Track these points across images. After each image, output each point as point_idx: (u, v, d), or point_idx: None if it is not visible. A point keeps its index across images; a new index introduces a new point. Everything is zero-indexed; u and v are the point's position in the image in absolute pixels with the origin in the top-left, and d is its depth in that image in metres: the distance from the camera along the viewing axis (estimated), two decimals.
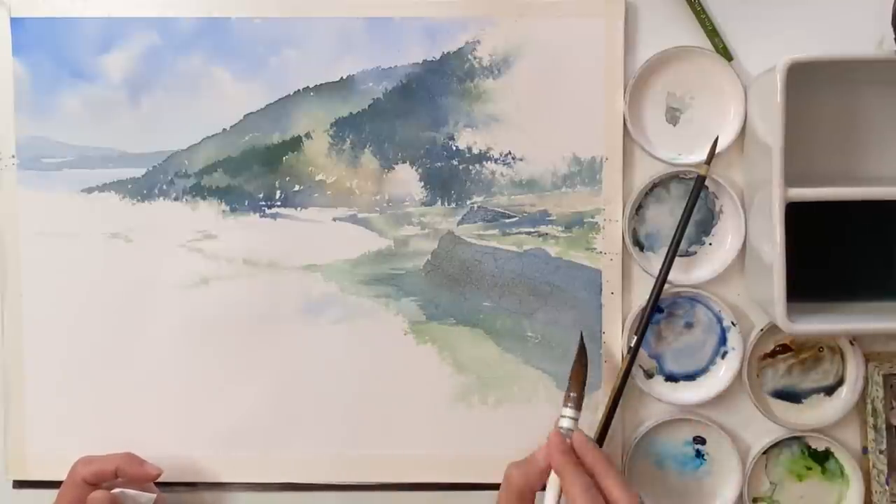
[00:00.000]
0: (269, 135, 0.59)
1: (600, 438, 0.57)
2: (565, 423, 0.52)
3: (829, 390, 0.59)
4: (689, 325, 0.59)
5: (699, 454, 0.59)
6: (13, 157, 0.59)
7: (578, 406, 0.53)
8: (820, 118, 0.57)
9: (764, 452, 0.58)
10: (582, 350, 0.56)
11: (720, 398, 0.58)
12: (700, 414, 0.59)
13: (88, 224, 0.60)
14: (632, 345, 0.57)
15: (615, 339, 0.59)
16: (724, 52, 0.57)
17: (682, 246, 0.58)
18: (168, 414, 0.60)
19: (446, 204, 0.59)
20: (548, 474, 0.50)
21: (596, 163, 0.58)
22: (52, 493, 0.55)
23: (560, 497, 0.49)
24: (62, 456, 0.56)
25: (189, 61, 0.59)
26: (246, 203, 0.59)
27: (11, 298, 0.60)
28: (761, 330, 0.58)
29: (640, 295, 0.59)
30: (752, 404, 0.58)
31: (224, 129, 0.59)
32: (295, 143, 0.59)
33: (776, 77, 0.49)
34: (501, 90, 0.58)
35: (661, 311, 0.59)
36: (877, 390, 0.57)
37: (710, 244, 0.59)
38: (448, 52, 0.58)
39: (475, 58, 0.58)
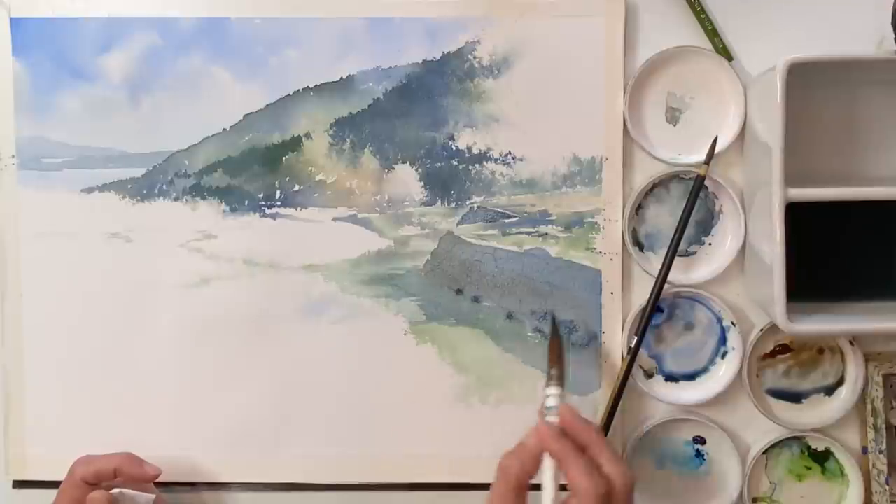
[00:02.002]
0: (269, 135, 0.59)
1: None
2: (551, 402, 0.50)
3: (829, 390, 0.59)
4: (688, 326, 0.59)
5: (699, 454, 0.59)
6: (13, 157, 0.59)
7: (561, 382, 0.51)
8: (820, 118, 0.57)
9: (764, 452, 0.58)
10: (555, 328, 0.55)
11: (720, 398, 0.58)
12: (700, 414, 0.59)
13: (88, 224, 0.60)
14: (632, 345, 0.57)
15: (615, 339, 0.59)
16: (724, 52, 0.57)
17: (682, 246, 0.58)
18: (168, 414, 0.60)
19: (446, 204, 0.59)
20: (540, 460, 0.49)
21: (596, 163, 0.58)
22: (52, 493, 0.55)
23: (557, 479, 0.48)
24: (62, 456, 0.56)
25: (189, 61, 0.59)
26: (246, 203, 0.59)
27: (11, 298, 0.60)
28: (761, 330, 0.58)
29: (640, 295, 0.59)
30: (752, 404, 0.58)
31: (224, 129, 0.59)
32: (295, 143, 0.59)
33: (776, 77, 0.49)
34: (501, 90, 0.58)
35: (661, 311, 0.59)
36: (877, 390, 0.57)
37: (710, 244, 0.59)
38: (448, 52, 0.58)
39: (475, 58, 0.58)
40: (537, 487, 0.48)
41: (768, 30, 0.58)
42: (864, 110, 0.57)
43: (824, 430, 0.59)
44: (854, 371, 0.58)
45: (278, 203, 0.59)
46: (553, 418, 0.49)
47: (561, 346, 0.53)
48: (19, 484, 0.60)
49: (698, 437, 0.59)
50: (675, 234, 0.57)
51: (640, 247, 0.59)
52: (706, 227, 0.59)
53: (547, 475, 0.48)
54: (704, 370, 0.59)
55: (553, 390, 0.51)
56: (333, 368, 0.59)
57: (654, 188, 0.58)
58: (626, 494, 0.46)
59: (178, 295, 0.59)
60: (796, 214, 0.50)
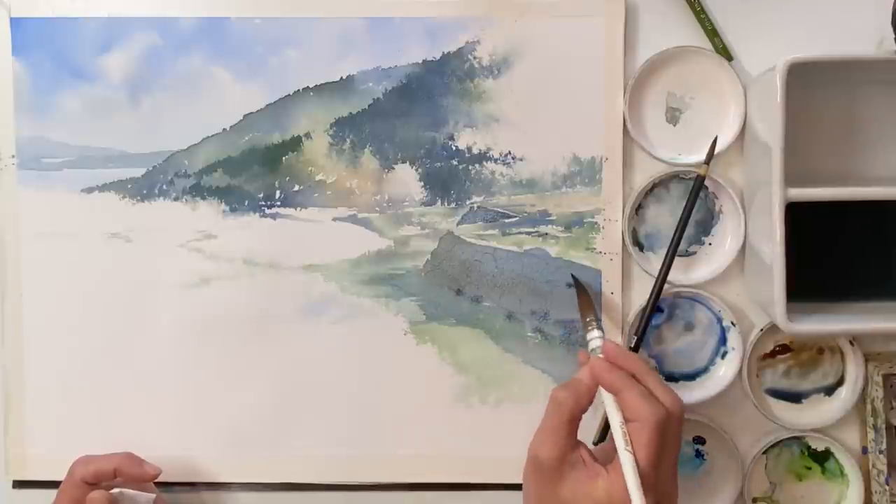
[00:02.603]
0: (269, 135, 0.59)
1: (601, 439, 0.57)
2: (595, 344, 0.52)
3: (829, 390, 0.59)
4: (688, 326, 0.59)
5: (699, 454, 0.59)
6: (13, 157, 0.59)
7: (600, 326, 0.53)
8: (820, 118, 0.57)
9: (764, 452, 0.58)
10: (578, 283, 0.57)
11: (720, 398, 0.58)
12: (700, 414, 0.59)
13: (88, 224, 0.60)
14: (632, 345, 0.57)
15: (615, 339, 0.59)
16: (724, 52, 0.57)
17: (682, 246, 0.58)
18: (168, 414, 0.60)
19: (446, 204, 0.59)
20: (594, 395, 0.49)
21: (596, 163, 0.58)
22: (52, 493, 0.55)
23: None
24: (62, 456, 0.56)
25: (189, 61, 0.59)
26: (246, 203, 0.59)
27: (11, 298, 0.60)
28: (761, 330, 0.58)
29: (640, 295, 0.59)
30: (752, 404, 0.58)
31: (224, 129, 0.59)
32: (295, 143, 0.59)
33: (776, 77, 0.49)
34: (501, 90, 0.58)
35: (661, 311, 0.59)
36: (877, 390, 0.57)
37: (710, 244, 0.59)
38: (448, 52, 0.58)
39: (475, 58, 0.58)
40: None
41: (768, 30, 0.58)
42: (864, 110, 0.57)
43: (824, 430, 0.59)
44: (854, 371, 0.58)
45: (278, 203, 0.59)
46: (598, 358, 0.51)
47: (590, 296, 0.56)
48: (19, 484, 0.60)
49: (698, 437, 0.59)
50: (675, 234, 0.56)
51: (640, 247, 0.59)
52: (706, 227, 0.59)
53: (610, 406, 0.48)
54: (704, 370, 0.59)
55: (595, 333, 0.53)
56: (333, 368, 0.59)
57: (654, 188, 0.58)
58: (680, 417, 0.48)
59: (178, 295, 0.59)
60: (796, 214, 0.50)
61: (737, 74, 0.57)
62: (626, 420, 0.47)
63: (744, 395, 0.58)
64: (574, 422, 0.48)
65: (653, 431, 0.46)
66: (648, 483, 0.45)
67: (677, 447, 0.48)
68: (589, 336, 0.53)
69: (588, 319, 0.54)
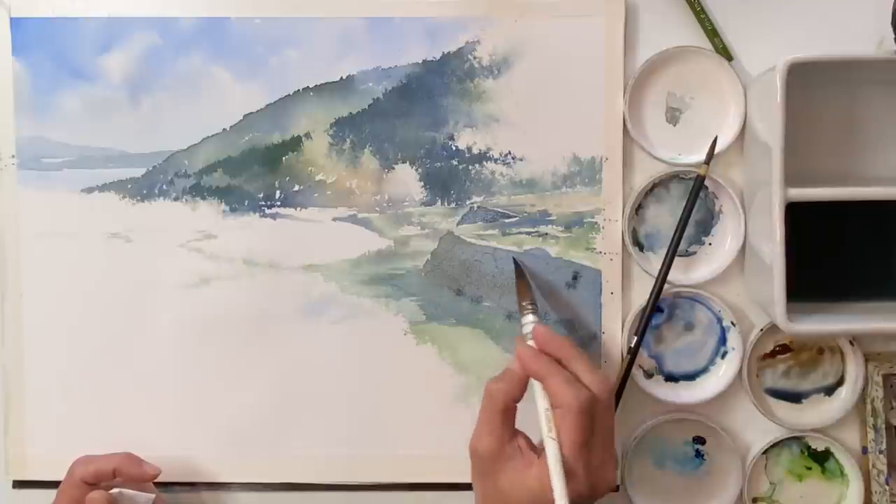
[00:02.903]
0: (269, 135, 0.59)
1: None
2: (528, 329, 0.52)
3: (829, 390, 0.59)
4: (688, 326, 0.59)
5: (699, 454, 0.60)
6: (13, 157, 0.59)
7: (535, 310, 0.54)
8: (820, 118, 0.57)
9: (764, 452, 0.58)
10: (518, 269, 0.57)
11: (720, 398, 0.58)
12: (700, 414, 0.59)
13: (88, 224, 0.60)
14: (632, 345, 0.57)
15: (615, 339, 0.59)
16: (724, 52, 0.57)
17: (682, 246, 0.58)
18: (168, 414, 0.60)
19: (446, 204, 0.59)
20: (526, 384, 0.50)
21: (596, 163, 0.58)
22: (52, 493, 0.55)
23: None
24: (62, 456, 0.56)
25: (189, 61, 0.59)
26: (246, 203, 0.59)
27: (11, 298, 0.60)
28: (761, 330, 0.58)
29: (640, 295, 0.59)
30: (752, 404, 0.58)
31: (224, 129, 0.59)
32: (295, 143, 0.59)
33: (776, 77, 0.49)
34: (501, 90, 0.58)
35: (661, 311, 0.59)
36: (877, 390, 0.57)
37: (710, 244, 0.59)
38: (448, 52, 0.58)
39: (475, 58, 0.58)
40: None
41: (768, 30, 0.58)
42: (864, 110, 0.57)
43: (824, 430, 0.59)
44: (854, 371, 0.58)
45: (278, 203, 0.59)
46: (531, 342, 0.51)
47: (528, 282, 0.56)
48: (19, 484, 0.60)
49: (698, 437, 0.59)
50: (675, 234, 0.57)
51: (640, 247, 0.59)
52: (706, 227, 0.59)
53: (537, 393, 0.49)
54: (704, 370, 0.59)
55: (529, 318, 0.53)
56: (333, 368, 0.59)
57: (654, 188, 0.58)
58: (607, 401, 0.48)
59: (178, 295, 0.59)
60: (796, 214, 0.50)
61: (737, 74, 0.57)
62: (553, 406, 0.48)
63: (744, 395, 0.58)
64: (508, 412, 0.49)
65: (576, 416, 0.46)
66: (577, 468, 0.46)
67: (609, 429, 0.49)
68: (523, 321, 0.53)
69: (524, 303, 0.54)
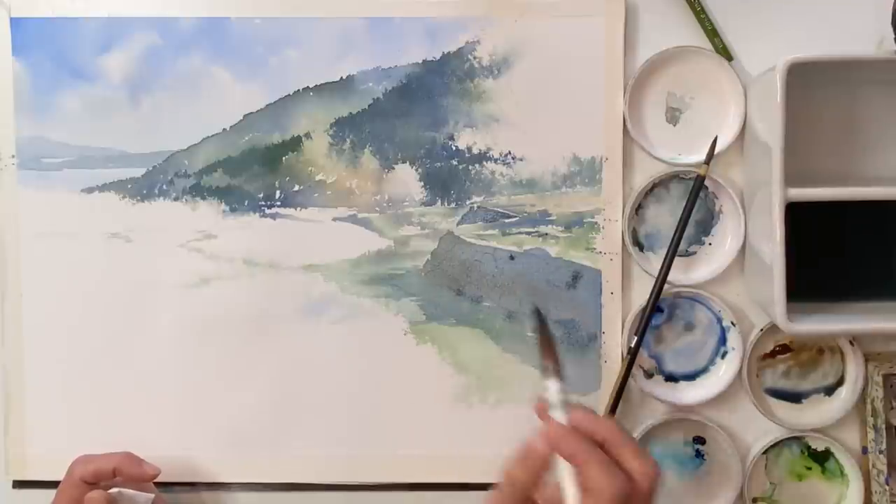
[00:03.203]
0: (269, 135, 0.59)
1: None
2: (554, 398, 0.45)
3: (829, 390, 0.59)
4: (688, 326, 0.59)
5: (699, 454, 0.59)
6: (13, 157, 0.59)
7: (560, 375, 0.46)
8: (820, 118, 0.57)
9: (764, 452, 0.58)
10: (541, 321, 0.49)
11: (720, 398, 0.58)
12: (700, 414, 0.59)
13: (88, 224, 0.60)
14: (632, 345, 0.57)
15: (615, 339, 0.59)
16: (724, 52, 0.57)
17: (682, 246, 0.58)
18: (168, 414, 0.60)
19: (446, 204, 0.59)
20: (548, 465, 0.44)
21: (596, 163, 0.58)
22: (53, 493, 0.55)
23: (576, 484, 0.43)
24: (62, 456, 0.56)
25: (189, 61, 0.59)
26: (246, 203, 0.59)
27: (11, 298, 0.60)
28: (761, 330, 0.58)
29: (640, 295, 0.59)
30: (752, 404, 0.58)
31: (224, 129, 0.59)
32: (295, 143, 0.59)
33: (776, 77, 0.49)
34: (501, 90, 0.58)
35: (661, 311, 0.59)
36: (877, 390, 0.57)
37: (710, 244, 0.59)
38: (448, 52, 0.58)
39: (475, 58, 0.58)
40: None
41: (768, 30, 0.58)
42: (864, 110, 0.57)
43: (824, 430, 0.59)
44: (854, 371, 0.58)
45: (278, 203, 0.59)
46: (558, 412, 0.45)
47: (551, 338, 0.48)
48: (19, 484, 0.60)
49: (698, 437, 0.59)
50: (675, 234, 0.56)
51: (640, 247, 0.59)
52: (706, 227, 0.59)
53: (566, 478, 0.43)
54: (704, 370, 0.59)
55: (554, 385, 0.46)
56: (333, 368, 0.59)
57: (654, 188, 0.58)
58: (650, 491, 0.42)
59: (178, 295, 0.59)
60: (796, 214, 0.50)
61: (737, 74, 0.57)
62: (583, 489, 0.42)
63: (744, 395, 0.58)
64: (527, 496, 0.44)
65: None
66: None
67: None
68: (548, 386, 0.46)
69: (547, 364, 0.47)
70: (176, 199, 0.60)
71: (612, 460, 0.42)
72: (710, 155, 0.56)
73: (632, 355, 0.57)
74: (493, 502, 0.44)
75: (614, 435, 0.43)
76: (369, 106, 0.59)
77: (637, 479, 0.42)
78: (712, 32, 0.57)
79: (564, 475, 0.43)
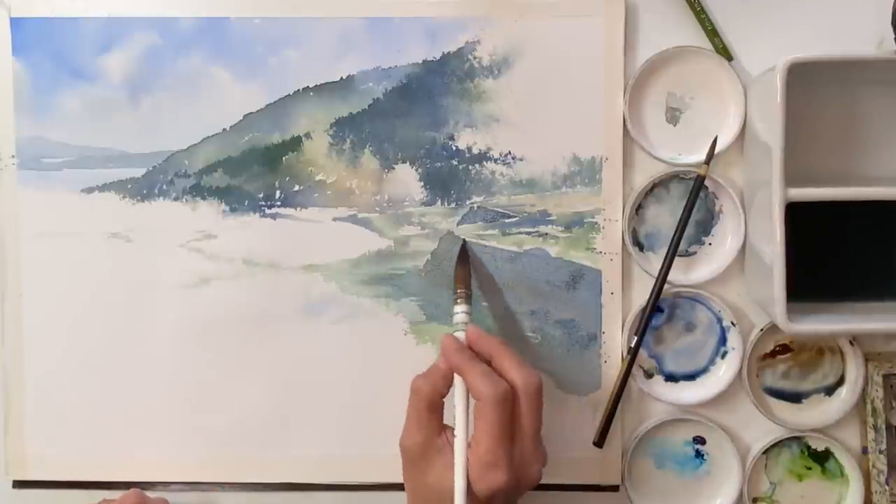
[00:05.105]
0: (269, 135, 0.59)
1: (601, 439, 0.57)
2: (459, 319, 0.53)
3: (829, 390, 0.59)
4: (688, 326, 0.59)
5: (699, 454, 0.59)
6: (13, 157, 0.59)
7: (468, 300, 0.54)
8: (820, 118, 0.57)
9: (764, 452, 0.58)
10: (463, 253, 0.57)
11: (720, 398, 0.58)
12: (700, 414, 0.59)
13: (88, 224, 0.60)
14: (632, 345, 0.57)
15: (615, 339, 0.59)
16: (724, 52, 0.57)
17: (682, 246, 0.58)
18: (168, 414, 0.60)
19: (446, 204, 0.59)
20: (452, 378, 0.50)
21: (596, 163, 0.58)
22: (52, 493, 0.55)
23: (469, 397, 0.50)
24: (62, 456, 0.56)
25: (189, 61, 0.59)
26: (246, 203, 0.59)
27: (11, 298, 0.60)
28: (761, 330, 0.58)
29: (640, 295, 0.59)
30: (752, 404, 0.58)
31: (224, 129, 0.59)
32: (295, 143, 0.59)
33: (776, 77, 0.49)
34: (501, 90, 0.58)
35: (661, 311, 0.59)
36: (877, 390, 0.57)
37: (710, 244, 0.59)
38: (448, 52, 0.58)
39: (475, 58, 0.58)
40: None
41: (768, 30, 0.58)
42: (864, 110, 0.57)
43: (824, 430, 0.59)
44: (854, 371, 0.58)
45: (278, 203, 0.59)
46: (461, 334, 0.52)
47: (468, 268, 0.56)
48: (19, 484, 0.60)
49: (698, 437, 0.59)
50: (675, 234, 0.57)
51: (640, 247, 0.59)
52: (706, 227, 0.59)
53: (459, 395, 0.50)
54: (704, 370, 0.59)
55: (461, 307, 0.53)
56: (333, 368, 0.59)
57: (654, 188, 0.58)
58: (531, 395, 0.48)
59: (178, 295, 0.59)
60: (796, 214, 0.50)
61: (737, 74, 0.57)
62: (474, 399, 0.48)
63: (744, 395, 0.58)
64: (434, 407, 0.50)
65: (493, 409, 0.46)
66: (497, 460, 0.46)
67: (534, 423, 0.48)
68: (455, 309, 0.53)
69: (459, 290, 0.54)
70: (176, 199, 0.60)
71: (494, 371, 0.49)
72: (710, 155, 0.56)
73: (632, 355, 0.57)
74: (407, 410, 0.50)
75: (500, 349, 0.50)
76: (369, 106, 0.59)
77: (518, 386, 0.48)
78: (712, 32, 0.57)
79: (457, 387, 0.50)
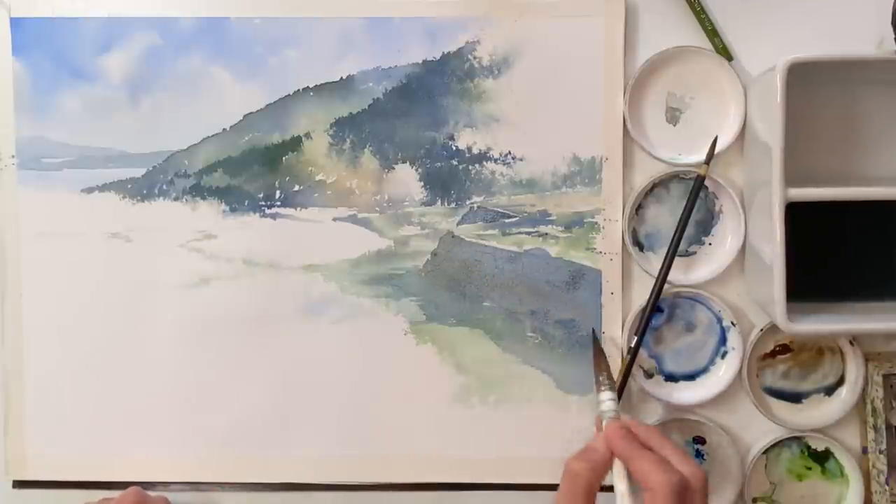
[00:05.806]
0: (269, 135, 0.59)
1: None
2: (608, 407, 0.52)
3: (829, 390, 0.59)
4: (688, 326, 0.59)
5: (699, 454, 0.59)
6: (13, 157, 0.59)
7: (614, 387, 0.53)
8: (820, 118, 0.57)
9: (764, 452, 0.58)
10: (596, 340, 0.58)
11: (720, 398, 0.58)
12: (700, 414, 0.59)
13: (88, 224, 0.60)
14: (632, 345, 0.57)
15: (615, 339, 0.59)
16: (724, 52, 0.57)
17: (682, 246, 0.58)
18: (168, 414, 0.60)
19: (446, 204, 0.59)
20: (610, 464, 0.49)
21: (596, 163, 0.58)
22: (52, 493, 0.55)
23: (629, 483, 0.48)
24: (62, 456, 0.56)
25: (189, 61, 0.59)
26: (246, 203, 0.60)
27: (11, 298, 0.60)
28: (761, 330, 0.58)
29: (640, 295, 0.59)
30: (752, 404, 0.58)
31: (224, 129, 0.59)
32: (295, 143, 0.59)
33: (776, 77, 0.49)
34: (501, 90, 0.58)
35: (661, 311, 0.59)
36: (877, 390, 0.57)
37: (710, 244, 0.59)
38: (448, 52, 0.58)
39: (475, 58, 0.58)
40: (608, 489, 0.49)
41: (768, 30, 0.58)
42: (864, 110, 0.57)
43: (824, 430, 0.59)
44: (854, 371, 0.58)
45: (278, 203, 0.59)
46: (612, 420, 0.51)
47: (605, 356, 0.56)
48: (19, 484, 0.60)
49: (698, 437, 0.59)
50: (675, 234, 0.57)
51: (640, 247, 0.59)
52: (706, 227, 0.59)
53: (618, 475, 0.48)
54: (704, 370, 0.59)
55: (607, 395, 0.53)
56: (333, 368, 0.59)
57: (654, 188, 0.58)
58: (702, 490, 0.46)
59: (178, 295, 0.59)
60: (796, 214, 0.50)
61: (737, 74, 0.57)
62: (642, 488, 0.46)
63: (744, 395, 0.58)
64: (592, 493, 0.48)
65: (667, 499, 0.45)
66: None
67: None
68: (601, 397, 0.53)
69: (601, 378, 0.54)
70: (176, 199, 0.60)
71: (662, 459, 0.47)
72: (710, 155, 0.56)
73: (632, 355, 0.57)
74: (559, 494, 0.48)
75: (662, 441, 0.49)
76: (369, 106, 0.59)
77: (689, 478, 0.46)
78: (712, 32, 0.57)
79: (616, 474, 0.48)
